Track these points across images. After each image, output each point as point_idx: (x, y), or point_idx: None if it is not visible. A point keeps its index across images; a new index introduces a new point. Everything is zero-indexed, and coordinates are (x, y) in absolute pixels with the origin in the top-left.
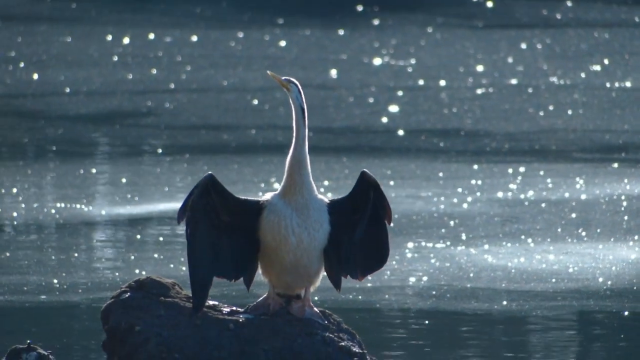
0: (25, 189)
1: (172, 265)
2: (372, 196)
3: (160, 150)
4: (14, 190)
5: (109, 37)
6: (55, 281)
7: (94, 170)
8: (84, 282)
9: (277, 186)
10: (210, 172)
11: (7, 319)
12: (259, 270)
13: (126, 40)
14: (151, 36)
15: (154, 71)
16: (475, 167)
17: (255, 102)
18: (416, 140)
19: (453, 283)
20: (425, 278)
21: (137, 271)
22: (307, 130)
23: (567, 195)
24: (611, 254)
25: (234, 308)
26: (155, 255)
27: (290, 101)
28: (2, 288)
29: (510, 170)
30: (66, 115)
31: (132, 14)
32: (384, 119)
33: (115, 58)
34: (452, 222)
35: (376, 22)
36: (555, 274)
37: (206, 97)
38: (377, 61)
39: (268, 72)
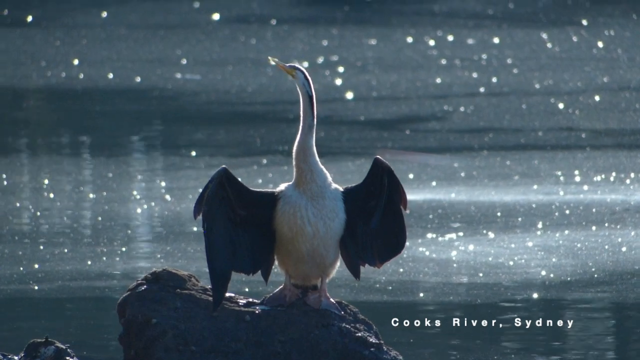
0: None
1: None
2: (386, 182)
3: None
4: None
5: (409, 39)
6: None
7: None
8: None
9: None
10: (224, 166)
11: (25, 312)
12: (276, 262)
13: (431, 43)
14: (450, 38)
15: (475, 75)
16: None
17: (561, 106)
18: None
19: None
20: None
21: None
22: (315, 119)
23: None
24: None
25: (250, 300)
26: None
27: (298, 89)
28: (20, 279)
29: None
30: (355, 120)
31: (414, 16)
32: None
33: (444, 61)
34: None
35: None
36: None
37: (507, 101)
38: None
39: (269, 58)
